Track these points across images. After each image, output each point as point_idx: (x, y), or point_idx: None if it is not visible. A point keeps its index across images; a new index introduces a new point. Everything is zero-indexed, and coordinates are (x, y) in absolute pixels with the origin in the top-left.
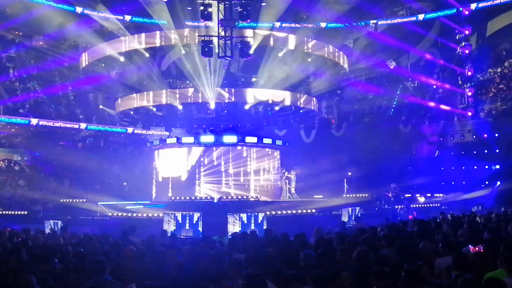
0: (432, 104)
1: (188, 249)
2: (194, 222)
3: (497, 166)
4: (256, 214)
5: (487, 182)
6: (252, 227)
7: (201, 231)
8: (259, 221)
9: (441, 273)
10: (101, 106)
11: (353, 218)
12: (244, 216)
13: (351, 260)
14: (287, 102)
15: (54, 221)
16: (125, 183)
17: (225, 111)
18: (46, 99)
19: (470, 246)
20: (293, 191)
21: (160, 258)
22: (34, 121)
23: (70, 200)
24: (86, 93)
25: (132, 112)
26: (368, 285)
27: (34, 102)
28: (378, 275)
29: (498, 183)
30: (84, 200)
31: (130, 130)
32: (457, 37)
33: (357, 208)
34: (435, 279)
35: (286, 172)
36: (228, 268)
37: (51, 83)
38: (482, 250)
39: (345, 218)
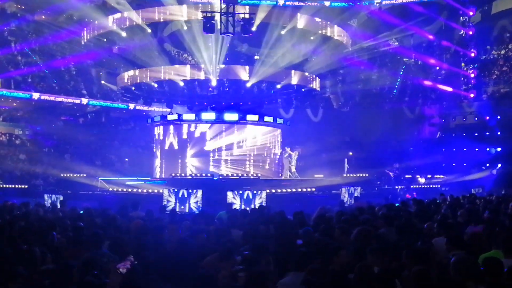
0: (434, 85)
1: (188, 225)
2: (195, 199)
3: (499, 149)
4: (255, 192)
5: (488, 165)
6: (256, 204)
7: (195, 208)
8: (260, 199)
9: (437, 252)
10: (103, 82)
11: (348, 197)
12: (245, 193)
13: (350, 238)
14: (289, 81)
15: (54, 195)
16: (126, 159)
17: (227, 89)
18: (48, 73)
19: (470, 226)
20: (293, 170)
21: (159, 232)
22: (35, 95)
23: (71, 174)
24: (88, 68)
25: (133, 88)
26: (366, 263)
27: (36, 76)
28: (376, 253)
29: (499, 165)
30: (85, 175)
31: (131, 106)
32: (461, 19)
33: (358, 188)
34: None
35: (289, 150)
36: (227, 245)
37: (53, 58)
38: (480, 231)
39: (344, 198)
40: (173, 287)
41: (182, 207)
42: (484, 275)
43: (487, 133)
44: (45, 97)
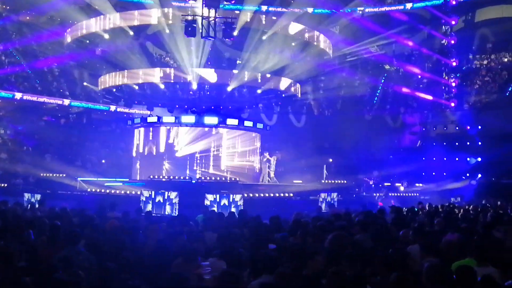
0: (416, 93)
1: (164, 227)
2: (172, 201)
3: (479, 159)
4: (231, 196)
5: (468, 174)
6: (232, 209)
7: (171, 210)
8: (237, 203)
9: (412, 259)
10: (85, 83)
11: (325, 203)
12: (222, 202)
13: (324, 243)
14: (270, 86)
15: (33, 194)
16: (103, 161)
17: (208, 92)
18: (31, 73)
19: (449, 234)
20: (272, 175)
21: (135, 233)
22: (18, 95)
23: (50, 174)
24: (71, 69)
25: (114, 90)
26: (340, 268)
27: (19, 76)
28: (350, 259)
29: (479, 175)
30: (64, 175)
31: (113, 108)
32: (443, 28)
33: (335, 194)
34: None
35: (268, 155)
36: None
37: (36, 58)
38: (455, 239)
39: (322, 204)
40: (145, 285)
41: (159, 209)
42: (456, 283)
43: (468, 143)
44: (27, 97)
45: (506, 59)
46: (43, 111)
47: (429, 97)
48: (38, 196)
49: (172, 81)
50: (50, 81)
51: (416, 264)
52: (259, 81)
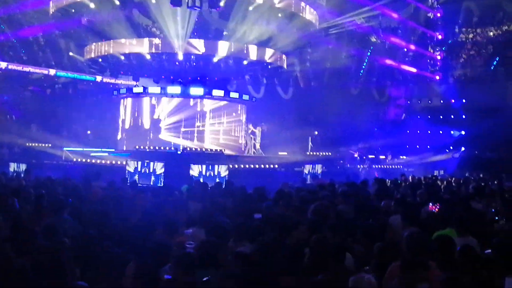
0: (401, 66)
1: (150, 196)
2: (157, 172)
3: (463, 132)
4: (216, 167)
5: (451, 147)
6: (217, 180)
7: (155, 180)
8: (222, 174)
9: (393, 230)
10: (71, 54)
11: (310, 175)
12: (205, 167)
13: (308, 213)
14: (256, 57)
15: (18, 163)
16: (89, 131)
17: (194, 63)
18: (16, 43)
19: (430, 204)
20: (258, 146)
21: (119, 202)
22: (3, 64)
23: (36, 144)
24: (57, 39)
25: (100, 60)
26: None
27: (3, 45)
28: (333, 229)
29: (463, 148)
30: (50, 145)
31: (99, 78)
32: (430, 1)
33: (319, 166)
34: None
35: (252, 127)
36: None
37: (21, 27)
38: (437, 210)
39: (307, 176)
40: (129, 253)
41: (145, 180)
42: (436, 252)
43: (452, 116)
44: (12, 66)
45: (491, 33)
46: (29, 81)
47: (413, 70)
48: (23, 166)
49: (157, 52)
50: (35, 50)
51: (397, 235)
52: (245, 52)
